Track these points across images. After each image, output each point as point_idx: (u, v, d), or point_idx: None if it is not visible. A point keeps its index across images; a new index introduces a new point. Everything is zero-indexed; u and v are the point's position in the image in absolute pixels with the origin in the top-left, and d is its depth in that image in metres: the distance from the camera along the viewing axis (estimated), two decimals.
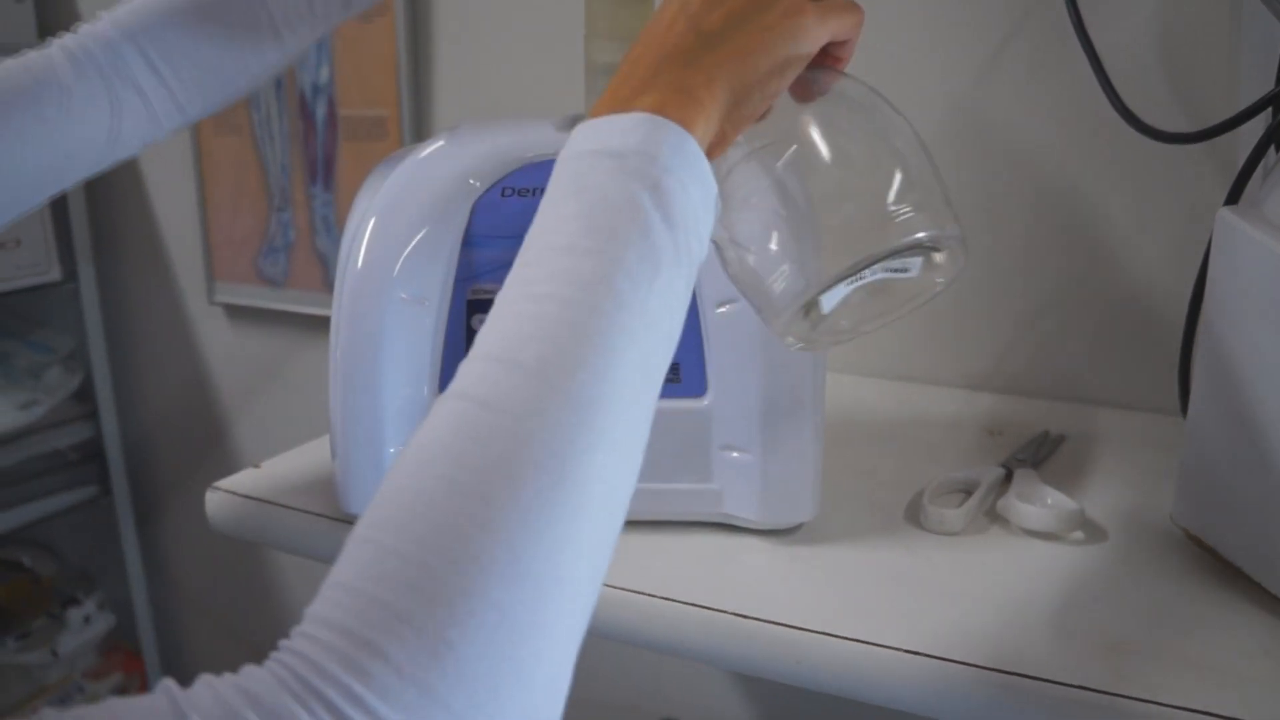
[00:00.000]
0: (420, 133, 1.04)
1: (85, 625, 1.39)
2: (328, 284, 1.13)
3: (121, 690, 1.43)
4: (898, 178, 0.42)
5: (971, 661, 0.41)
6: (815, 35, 0.42)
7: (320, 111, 1.09)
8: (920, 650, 0.42)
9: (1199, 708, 0.38)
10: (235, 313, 1.24)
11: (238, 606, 1.38)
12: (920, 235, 0.41)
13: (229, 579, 1.38)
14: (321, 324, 1.16)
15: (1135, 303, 0.75)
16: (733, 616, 0.45)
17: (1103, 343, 0.77)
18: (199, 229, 1.22)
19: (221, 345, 1.27)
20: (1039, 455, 0.64)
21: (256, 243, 1.18)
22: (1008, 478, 0.59)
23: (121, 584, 1.42)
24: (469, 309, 0.52)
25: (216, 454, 1.33)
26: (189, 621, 1.46)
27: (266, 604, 1.34)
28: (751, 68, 0.40)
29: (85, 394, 1.35)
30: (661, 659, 1.03)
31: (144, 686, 1.44)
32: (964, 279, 0.81)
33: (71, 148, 0.52)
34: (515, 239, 0.52)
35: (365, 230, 0.52)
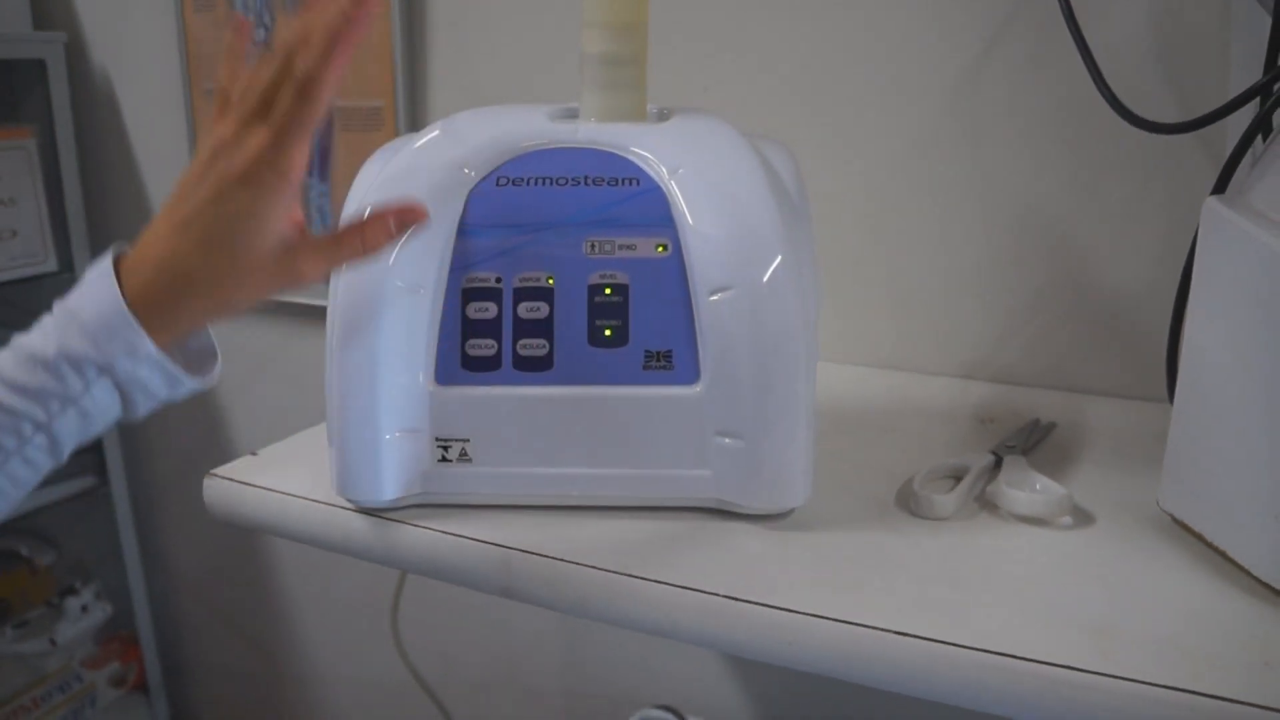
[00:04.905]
0: (416, 123, 1.04)
1: (83, 614, 1.40)
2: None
3: (120, 679, 1.44)
4: None
5: (959, 642, 0.42)
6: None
7: None
8: (908, 631, 0.43)
9: (1182, 686, 0.39)
10: None
11: (235, 595, 1.39)
12: None
13: (226, 568, 1.38)
14: (317, 314, 1.17)
15: (1127, 292, 0.76)
16: (724, 599, 0.46)
17: (1094, 332, 0.77)
18: None
19: (217, 335, 1.27)
20: (1029, 442, 0.64)
21: None
22: (998, 464, 0.60)
23: (119, 573, 1.42)
24: (464, 297, 0.53)
25: (213, 443, 1.33)
26: (186, 610, 1.47)
27: (263, 592, 1.34)
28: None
29: None
30: (657, 647, 1.03)
31: (141, 674, 1.44)
32: (958, 270, 0.83)
33: None
34: (510, 228, 0.53)
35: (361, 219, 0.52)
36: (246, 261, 0.46)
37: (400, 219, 0.49)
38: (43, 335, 0.45)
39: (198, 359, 0.50)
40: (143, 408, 0.47)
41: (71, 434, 0.46)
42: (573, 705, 1.12)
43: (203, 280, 0.46)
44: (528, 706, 1.16)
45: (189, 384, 0.48)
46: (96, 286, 0.45)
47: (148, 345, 0.45)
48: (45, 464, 0.46)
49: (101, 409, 0.46)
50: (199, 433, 1.35)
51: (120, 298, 0.44)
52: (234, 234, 0.45)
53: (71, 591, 1.40)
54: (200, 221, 0.45)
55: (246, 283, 0.46)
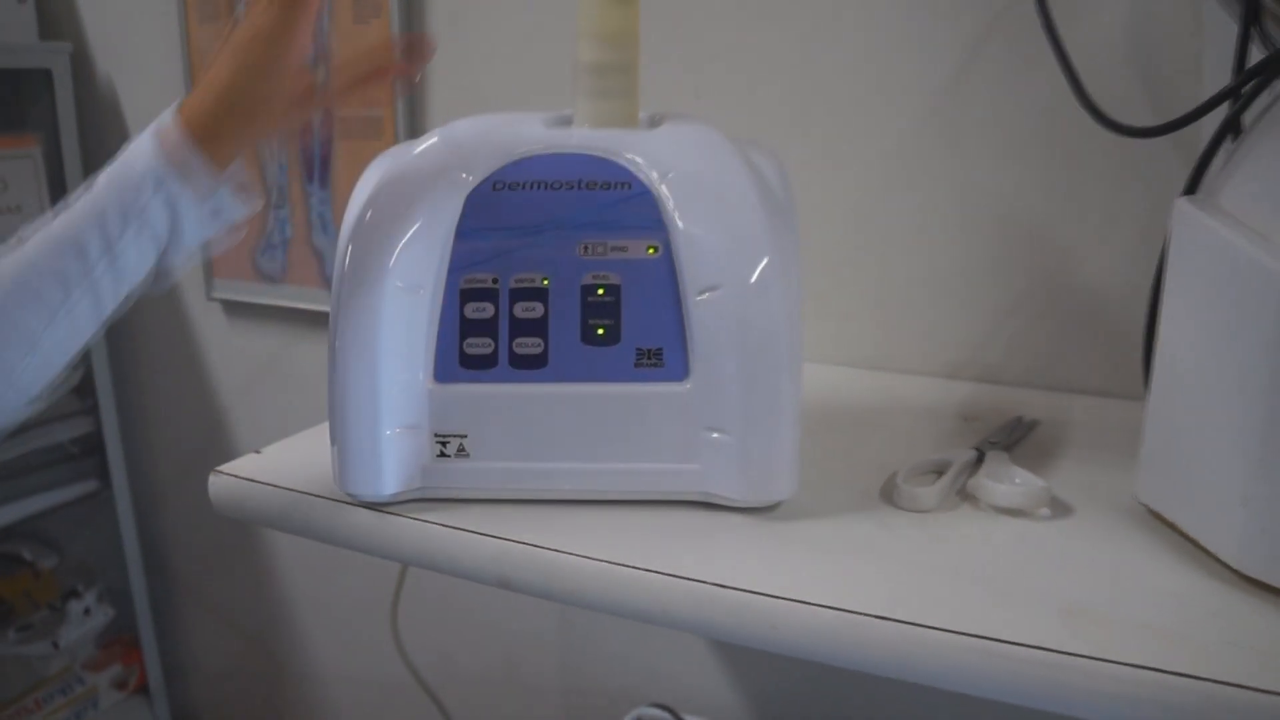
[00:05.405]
0: (414, 130, 1.06)
1: (85, 617, 1.41)
2: (324, 279, 1.16)
3: (121, 681, 1.45)
4: None
5: (938, 625, 0.44)
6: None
7: None
8: (889, 615, 0.44)
9: (1151, 665, 0.41)
10: (233, 308, 1.26)
11: (235, 597, 1.40)
12: None
13: (227, 571, 1.40)
14: (318, 319, 1.18)
15: (1106, 292, 0.77)
16: (712, 586, 0.47)
17: (1075, 331, 0.79)
18: None
19: (220, 340, 1.29)
20: (1011, 439, 0.66)
21: (254, 239, 1.20)
22: (980, 459, 0.61)
23: (121, 576, 1.44)
24: (462, 297, 0.54)
25: (215, 448, 1.35)
26: (188, 613, 1.48)
27: (264, 594, 1.35)
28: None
29: (85, 388, 1.37)
30: (653, 645, 1.05)
31: (143, 677, 1.45)
32: (941, 272, 0.84)
33: None
34: (506, 230, 0.55)
35: (363, 222, 0.54)
36: (283, 83, 0.53)
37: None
38: (106, 172, 0.53)
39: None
40: (188, 236, 0.54)
41: (131, 262, 0.53)
42: (570, 703, 1.14)
43: (250, 101, 0.53)
44: (526, 704, 1.18)
45: (234, 209, 0.56)
46: (157, 122, 0.53)
47: (201, 161, 0.52)
48: (108, 297, 0.53)
49: (156, 232, 0.53)
50: (200, 437, 1.36)
51: (177, 124, 0.53)
52: (272, 56, 0.52)
53: (74, 594, 1.41)
54: (245, 49, 0.52)
55: (284, 105, 0.54)
